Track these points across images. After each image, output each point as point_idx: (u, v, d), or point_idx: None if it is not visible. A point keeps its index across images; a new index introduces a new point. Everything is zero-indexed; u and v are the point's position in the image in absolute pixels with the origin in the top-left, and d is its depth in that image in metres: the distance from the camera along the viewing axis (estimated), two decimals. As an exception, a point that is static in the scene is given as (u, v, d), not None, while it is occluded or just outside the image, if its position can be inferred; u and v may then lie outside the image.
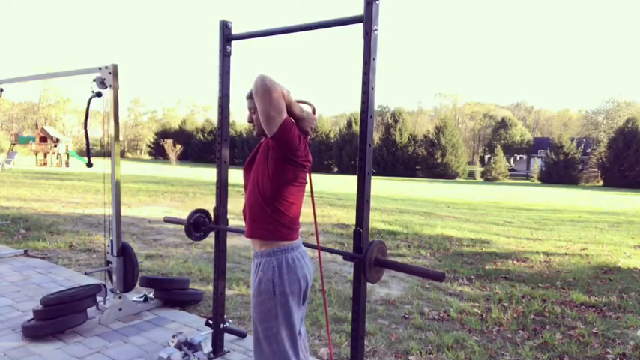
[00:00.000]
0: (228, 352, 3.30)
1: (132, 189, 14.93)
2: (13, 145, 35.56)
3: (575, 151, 45.26)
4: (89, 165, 3.88)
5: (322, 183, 25.43)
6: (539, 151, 55.52)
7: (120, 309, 3.86)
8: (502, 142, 56.58)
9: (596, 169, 45.19)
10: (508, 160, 53.49)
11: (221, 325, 3.24)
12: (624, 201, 21.14)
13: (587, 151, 47.53)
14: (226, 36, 3.00)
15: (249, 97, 2.11)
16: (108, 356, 3.20)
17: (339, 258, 6.21)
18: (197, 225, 3.23)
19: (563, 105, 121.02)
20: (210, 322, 3.26)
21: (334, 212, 11.13)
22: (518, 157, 59.42)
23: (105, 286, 3.90)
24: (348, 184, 25.14)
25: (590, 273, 6.13)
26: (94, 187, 15.00)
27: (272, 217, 2.01)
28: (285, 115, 1.90)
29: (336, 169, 51.13)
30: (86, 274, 4.54)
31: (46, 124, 56.14)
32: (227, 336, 3.39)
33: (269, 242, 2.04)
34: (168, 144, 49.44)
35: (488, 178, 48.37)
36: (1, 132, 54.35)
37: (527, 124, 74.61)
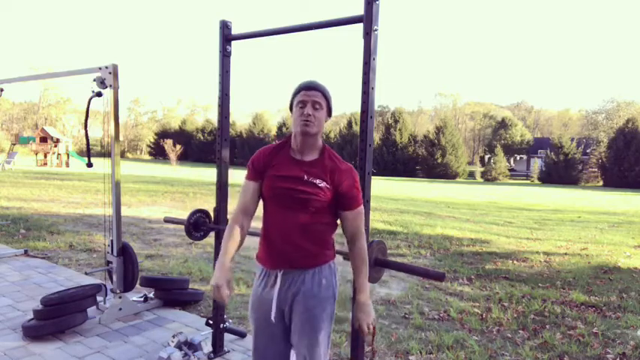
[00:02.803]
0: (228, 352, 3.30)
1: (132, 189, 14.93)
2: (14, 145, 35.59)
3: (575, 151, 45.23)
4: (89, 165, 3.88)
5: (322, 183, 25.38)
6: (539, 151, 55.45)
7: (120, 309, 3.86)
8: (502, 142, 56.50)
9: (596, 169, 45.16)
10: (508, 160, 53.42)
11: (221, 325, 3.24)
12: (624, 201, 21.14)
13: (587, 151, 47.49)
14: (226, 36, 3.01)
15: (316, 88, 1.90)
16: (108, 356, 3.20)
17: (339, 258, 6.20)
18: (197, 225, 3.23)
19: (563, 105, 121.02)
20: (210, 322, 3.26)
21: (334, 212, 11.12)
22: (518, 157, 59.36)
23: (105, 286, 3.90)
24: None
25: (590, 273, 6.13)
26: (94, 187, 15.01)
27: (330, 239, 2.04)
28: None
29: (336, 169, 51.00)
30: (86, 274, 4.54)
31: (46, 124, 56.13)
32: (227, 336, 3.40)
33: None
34: (168, 144, 49.33)
35: (488, 178, 48.33)
36: (1, 132, 54.29)
37: (527, 124, 74.53)
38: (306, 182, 1.88)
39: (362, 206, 1.99)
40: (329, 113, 1.97)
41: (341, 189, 1.90)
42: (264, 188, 1.96)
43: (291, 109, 1.97)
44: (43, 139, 31.85)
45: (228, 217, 3.24)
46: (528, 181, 47.87)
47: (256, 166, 1.98)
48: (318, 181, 1.88)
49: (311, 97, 1.88)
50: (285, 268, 1.92)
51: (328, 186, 1.89)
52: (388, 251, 2.38)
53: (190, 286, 4.47)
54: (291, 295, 1.92)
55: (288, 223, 1.90)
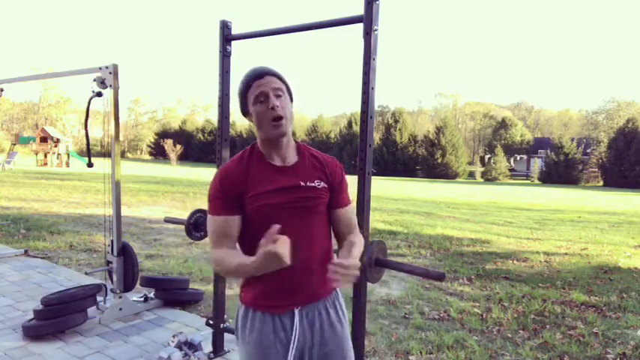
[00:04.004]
0: (228, 352, 3.30)
1: (132, 189, 14.93)
2: (14, 145, 35.62)
3: (575, 151, 45.22)
4: (89, 165, 3.88)
5: (322, 183, 25.37)
6: (539, 151, 55.43)
7: (120, 309, 3.86)
8: (502, 142, 56.48)
9: (596, 169, 45.14)
10: (508, 160, 53.39)
11: (221, 325, 3.24)
12: (624, 201, 21.13)
13: (588, 151, 47.47)
14: (226, 36, 3.01)
15: (269, 73, 1.53)
16: (108, 356, 3.20)
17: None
18: (197, 225, 3.24)
19: (563, 105, 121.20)
20: (211, 322, 3.26)
21: (334, 212, 11.12)
22: (518, 157, 59.33)
23: (105, 286, 3.91)
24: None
25: (591, 273, 6.13)
26: (94, 187, 15.01)
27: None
28: None
29: (336, 169, 50.94)
30: (86, 274, 4.54)
31: (47, 124, 56.09)
32: (227, 336, 3.39)
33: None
34: (168, 144, 49.41)
35: (488, 178, 48.31)
36: (1, 132, 54.32)
37: (528, 124, 74.49)
38: (306, 188, 1.55)
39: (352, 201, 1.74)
40: (291, 98, 1.58)
41: (335, 184, 1.62)
42: (251, 214, 1.52)
43: (244, 113, 1.57)
44: (43, 139, 31.86)
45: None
46: (528, 181, 47.86)
47: (230, 193, 1.51)
48: (316, 183, 1.57)
49: (269, 84, 1.50)
50: (301, 304, 1.56)
51: (326, 185, 1.59)
52: (388, 251, 2.38)
53: (190, 286, 4.47)
54: (312, 332, 1.58)
55: (298, 244, 1.42)
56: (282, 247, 1.28)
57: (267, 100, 1.49)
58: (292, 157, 1.59)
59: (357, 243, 1.62)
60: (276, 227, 1.30)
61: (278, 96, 1.50)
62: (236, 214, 1.52)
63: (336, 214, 1.64)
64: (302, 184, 1.55)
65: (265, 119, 1.49)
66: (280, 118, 1.48)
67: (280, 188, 1.53)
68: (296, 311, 1.56)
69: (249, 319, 1.58)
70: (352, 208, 1.71)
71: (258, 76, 1.51)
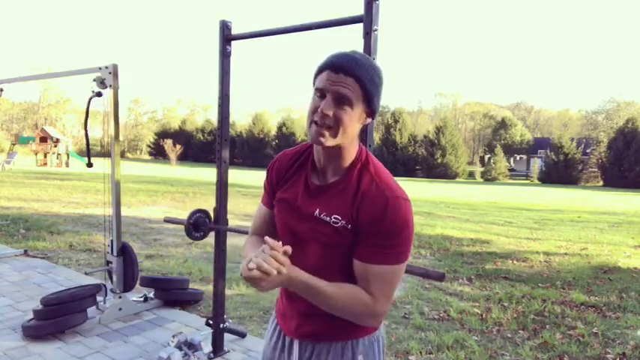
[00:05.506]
0: (228, 352, 3.31)
1: (132, 189, 14.92)
2: (13, 145, 35.61)
3: (575, 151, 45.25)
4: (89, 165, 3.88)
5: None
6: (539, 151, 55.46)
7: (120, 309, 3.86)
8: (502, 142, 56.50)
9: (596, 169, 45.16)
10: (508, 160, 53.40)
11: (221, 325, 3.24)
12: (624, 201, 21.13)
13: (587, 151, 47.50)
14: (226, 36, 3.01)
15: (348, 70, 1.16)
16: (108, 356, 3.20)
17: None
18: (197, 225, 3.23)
19: (563, 105, 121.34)
20: (210, 322, 3.26)
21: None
22: (518, 157, 59.36)
23: (105, 286, 3.91)
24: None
25: (590, 273, 6.13)
26: (94, 187, 15.00)
27: None
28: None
29: (336, 170, 50.86)
30: (86, 274, 4.54)
31: (46, 124, 56.07)
32: (227, 336, 3.40)
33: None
34: (168, 144, 49.41)
35: (488, 178, 48.32)
36: (1, 132, 54.31)
37: (527, 124, 74.51)
38: (318, 221, 1.24)
39: (395, 266, 1.20)
40: (370, 112, 1.23)
41: (363, 229, 1.19)
42: (276, 217, 1.38)
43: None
44: (43, 139, 31.84)
45: (228, 217, 3.24)
46: (528, 181, 47.86)
47: (271, 181, 1.38)
48: (333, 219, 1.22)
49: (336, 83, 1.16)
50: (302, 338, 1.34)
51: (348, 225, 1.20)
52: (388, 251, 2.37)
53: (190, 286, 4.47)
54: None
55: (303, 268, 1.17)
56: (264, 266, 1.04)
57: (322, 99, 1.17)
58: (334, 174, 1.27)
59: (344, 288, 1.20)
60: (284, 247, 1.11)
61: (340, 104, 1.16)
62: (268, 206, 1.39)
63: (353, 262, 1.23)
64: (316, 214, 1.25)
65: (309, 117, 1.20)
66: (323, 125, 1.17)
67: (296, 207, 1.29)
68: (296, 342, 1.35)
69: (272, 320, 1.49)
70: (380, 271, 1.19)
71: (333, 67, 1.17)
